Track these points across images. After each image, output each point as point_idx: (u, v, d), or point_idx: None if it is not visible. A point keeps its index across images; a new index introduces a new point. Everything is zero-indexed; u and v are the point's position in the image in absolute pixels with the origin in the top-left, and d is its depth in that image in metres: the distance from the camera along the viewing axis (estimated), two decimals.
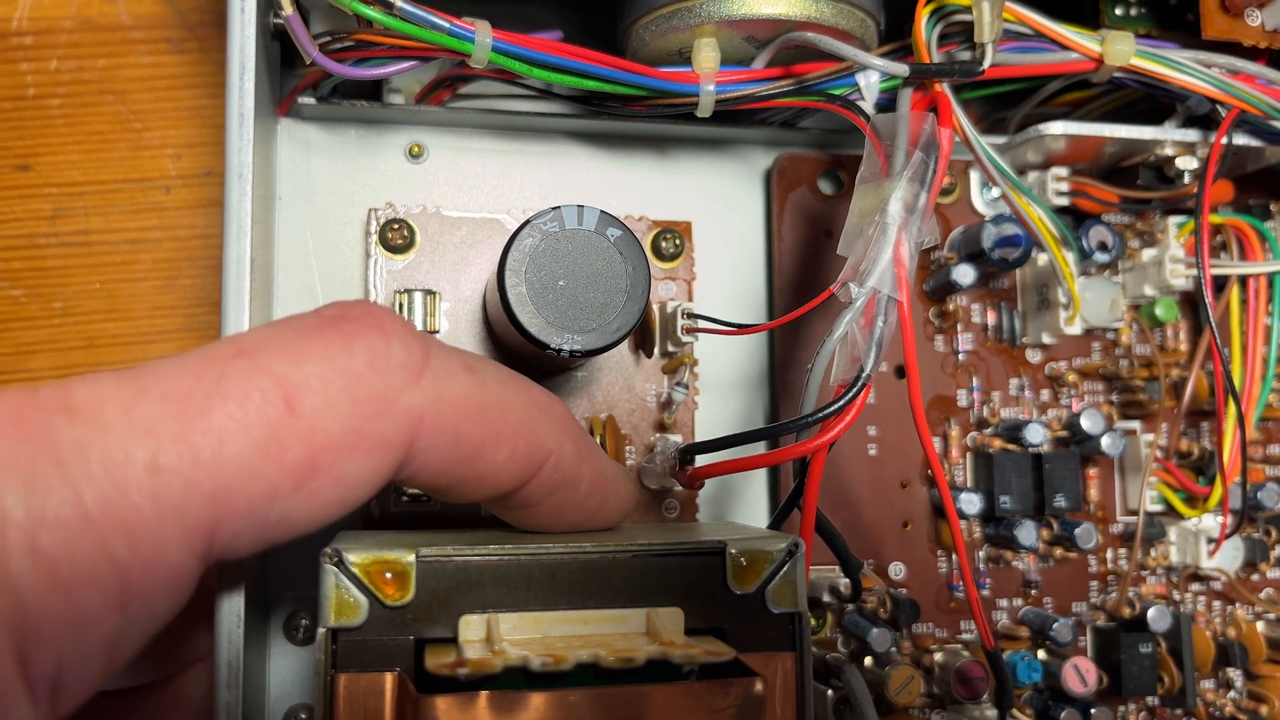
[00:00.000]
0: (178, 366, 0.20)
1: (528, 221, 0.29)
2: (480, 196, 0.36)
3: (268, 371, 0.20)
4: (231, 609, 0.26)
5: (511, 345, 0.33)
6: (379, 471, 0.22)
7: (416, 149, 0.36)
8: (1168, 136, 0.36)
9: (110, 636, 0.19)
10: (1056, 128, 0.36)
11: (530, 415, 0.24)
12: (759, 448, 0.35)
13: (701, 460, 0.31)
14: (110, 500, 0.18)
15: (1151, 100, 0.37)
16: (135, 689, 0.28)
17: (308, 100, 0.34)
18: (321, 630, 0.23)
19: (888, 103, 0.33)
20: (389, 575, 0.24)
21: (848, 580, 0.35)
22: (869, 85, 0.33)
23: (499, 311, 0.30)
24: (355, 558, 0.24)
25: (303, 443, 0.20)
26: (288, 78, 0.35)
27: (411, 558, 0.24)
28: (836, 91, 0.33)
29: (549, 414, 0.25)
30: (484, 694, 0.22)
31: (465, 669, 0.22)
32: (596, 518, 0.27)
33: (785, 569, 0.26)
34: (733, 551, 0.26)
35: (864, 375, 0.28)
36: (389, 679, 0.23)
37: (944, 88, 0.32)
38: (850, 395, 0.28)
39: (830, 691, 0.34)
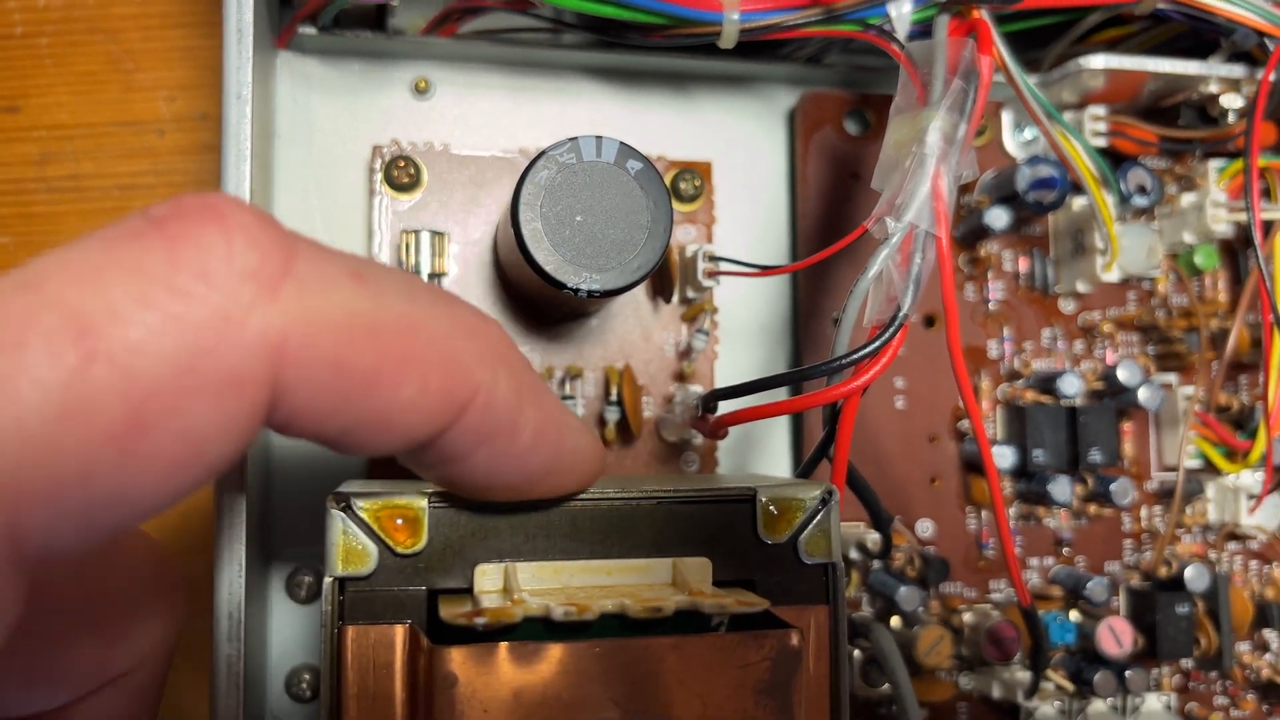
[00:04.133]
0: None
1: (543, 153, 0.28)
2: (490, 134, 0.34)
3: (56, 304, 0.15)
4: (233, 557, 0.24)
5: (524, 287, 0.31)
6: (239, 419, 0.16)
7: (423, 84, 0.34)
8: (1213, 72, 0.35)
9: None
10: (1098, 61, 0.34)
11: (450, 339, 0.18)
12: (785, 395, 0.34)
13: (725, 407, 0.30)
14: None
15: (1193, 37, 0.36)
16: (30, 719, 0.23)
17: (308, 30, 0.32)
18: (328, 580, 0.22)
19: (918, 35, 0.31)
20: (400, 521, 0.22)
21: (875, 536, 0.34)
22: (900, 15, 0.31)
23: (511, 250, 0.29)
24: (364, 503, 0.22)
25: (117, 396, 0.15)
26: (285, 13, 0.33)
27: (424, 503, 0.22)
28: (868, 21, 0.31)
29: (480, 337, 0.19)
30: (503, 645, 0.20)
31: (483, 619, 0.20)
32: (546, 480, 0.21)
33: (818, 518, 0.24)
34: (763, 499, 0.24)
35: (901, 315, 0.26)
36: (400, 631, 0.22)
37: (983, 14, 0.30)
38: (886, 336, 0.26)
39: (857, 652, 0.33)
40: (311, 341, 0.16)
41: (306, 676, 0.32)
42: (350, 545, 0.22)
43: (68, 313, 0.15)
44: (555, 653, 0.21)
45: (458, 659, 0.20)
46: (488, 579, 0.23)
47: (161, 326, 0.15)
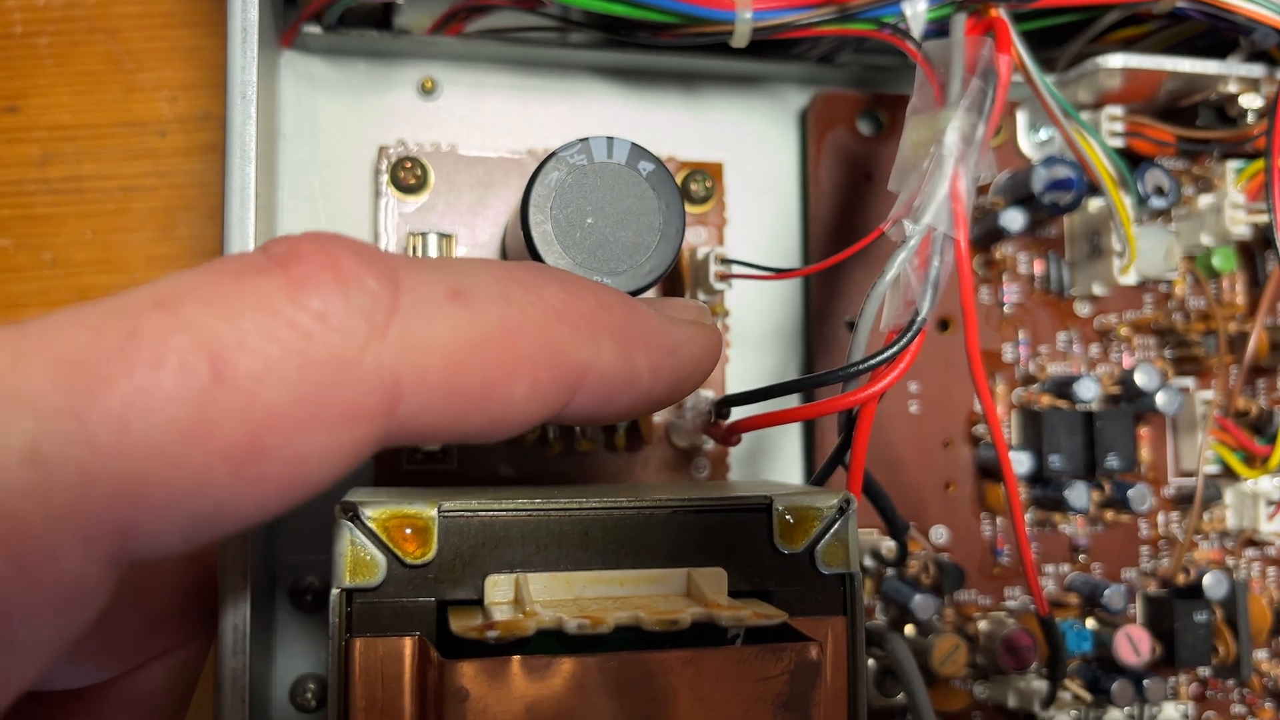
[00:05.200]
0: (71, 322, 0.16)
1: (553, 154, 0.27)
2: (497, 135, 0.34)
3: (191, 328, 0.16)
4: (236, 570, 0.24)
5: None
6: (349, 447, 0.17)
7: (429, 84, 0.34)
8: (1232, 71, 0.34)
9: None
10: (1116, 60, 0.33)
11: (549, 330, 0.20)
12: (798, 400, 0.33)
13: (738, 413, 0.29)
14: None
15: (1211, 36, 0.35)
16: (77, 691, 0.24)
17: (313, 29, 0.32)
18: (335, 591, 0.21)
19: (932, 34, 0.31)
20: (409, 531, 0.22)
21: (890, 543, 0.33)
22: (915, 14, 0.31)
23: (521, 253, 0.28)
24: (373, 512, 0.22)
25: (239, 420, 0.16)
26: (290, 12, 0.33)
27: (433, 512, 0.22)
28: (883, 19, 0.31)
29: (572, 318, 0.20)
30: (515, 659, 0.20)
31: (495, 632, 0.20)
32: (675, 393, 0.23)
33: (836, 527, 0.24)
34: (779, 508, 0.24)
35: (919, 319, 0.26)
36: (408, 643, 0.22)
37: (1001, 12, 0.29)
38: (904, 341, 0.26)
39: (871, 661, 0.32)
40: (422, 371, 0.18)
41: (311, 686, 0.31)
42: (358, 555, 0.22)
43: (202, 336, 0.16)
44: (569, 667, 0.20)
45: (469, 673, 0.20)
46: (499, 590, 0.22)
47: (284, 360, 0.16)
